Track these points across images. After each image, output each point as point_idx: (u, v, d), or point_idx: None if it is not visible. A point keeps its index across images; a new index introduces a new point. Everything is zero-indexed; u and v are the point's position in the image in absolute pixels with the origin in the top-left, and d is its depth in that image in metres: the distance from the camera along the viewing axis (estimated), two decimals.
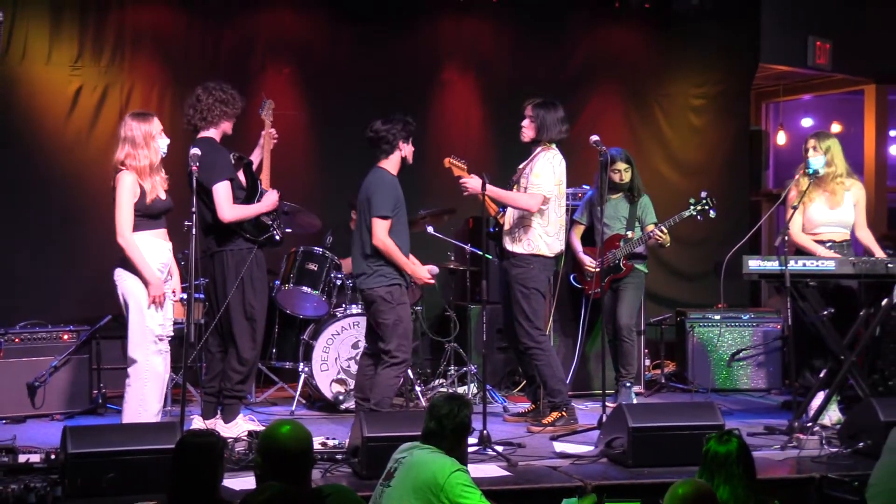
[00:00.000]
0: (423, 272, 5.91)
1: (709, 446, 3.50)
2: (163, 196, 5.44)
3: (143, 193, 5.32)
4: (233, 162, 5.75)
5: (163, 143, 5.45)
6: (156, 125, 5.43)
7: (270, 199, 5.76)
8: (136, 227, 5.33)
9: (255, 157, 5.97)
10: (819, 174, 6.27)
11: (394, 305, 5.72)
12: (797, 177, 6.33)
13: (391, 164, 5.88)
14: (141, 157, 5.32)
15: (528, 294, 6.11)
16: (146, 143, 5.34)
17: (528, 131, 6.21)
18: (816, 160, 6.29)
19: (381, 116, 5.91)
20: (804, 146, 6.43)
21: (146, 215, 5.35)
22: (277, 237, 5.83)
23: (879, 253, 6.32)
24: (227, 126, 5.83)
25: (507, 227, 6.19)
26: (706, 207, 6.53)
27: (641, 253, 7.07)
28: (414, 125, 5.94)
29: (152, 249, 5.36)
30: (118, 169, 5.33)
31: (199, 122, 5.73)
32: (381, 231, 5.70)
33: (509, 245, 6.17)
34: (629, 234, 6.94)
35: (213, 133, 5.75)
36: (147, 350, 5.31)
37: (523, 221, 6.14)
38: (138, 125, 5.36)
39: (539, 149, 6.22)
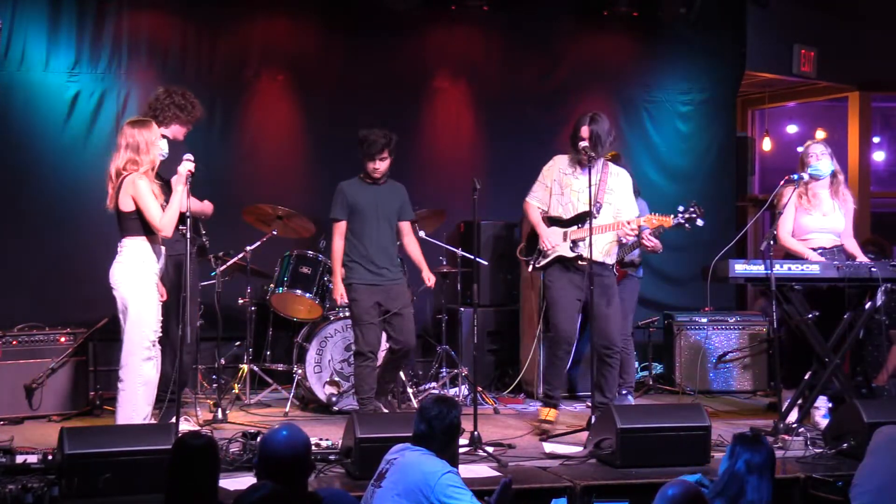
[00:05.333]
0: (337, 291, 6.34)
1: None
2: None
3: None
4: None
5: (163, 143, 5.51)
6: (155, 131, 5.50)
7: None
8: (132, 232, 5.36)
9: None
10: (819, 178, 6.37)
11: (349, 303, 6.29)
12: (800, 184, 6.31)
13: (364, 171, 6.30)
14: (144, 161, 5.37)
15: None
16: (148, 148, 5.40)
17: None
18: (825, 164, 6.37)
19: (373, 122, 5.97)
20: (810, 152, 6.40)
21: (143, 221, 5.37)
22: None
23: (863, 258, 6.37)
24: (177, 131, 5.98)
25: (598, 240, 6.10)
26: (693, 216, 6.49)
27: (635, 258, 7.10)
28: (371, 146, 6.14)
29: (145, 258, 5.38)
30: (120, 174, 5.35)
31: (152, 118, 5.76)
32: (333, 233, 6.37)
33: (601, 257, 6.19)
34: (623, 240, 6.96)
35: (165, 132, 5.86)
36: (141, 355, 5.36)
37: (613, 237, 6.31)
38: (139, 132, 5.41)
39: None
